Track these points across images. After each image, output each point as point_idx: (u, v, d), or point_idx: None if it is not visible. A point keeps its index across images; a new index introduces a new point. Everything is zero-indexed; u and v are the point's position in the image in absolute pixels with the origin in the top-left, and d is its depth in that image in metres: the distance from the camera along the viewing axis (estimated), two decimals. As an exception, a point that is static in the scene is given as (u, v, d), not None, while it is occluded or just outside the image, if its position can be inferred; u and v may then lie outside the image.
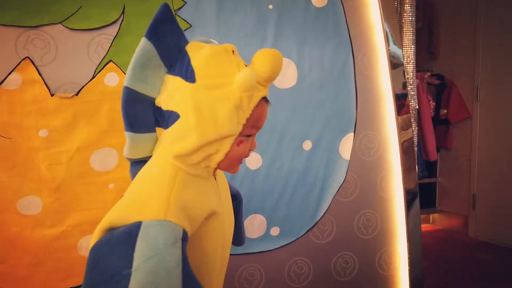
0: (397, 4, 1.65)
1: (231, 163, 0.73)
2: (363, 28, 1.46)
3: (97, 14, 1.20)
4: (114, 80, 1.22)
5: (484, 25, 3.01)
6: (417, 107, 1.64)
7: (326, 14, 1.43)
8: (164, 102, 0.71)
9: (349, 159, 1.48)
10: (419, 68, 3.32)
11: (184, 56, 0.71)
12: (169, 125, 0.70)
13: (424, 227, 3.39)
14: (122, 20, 1.23)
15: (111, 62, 1.22)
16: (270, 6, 1.38)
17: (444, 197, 3.38)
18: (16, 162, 1.16)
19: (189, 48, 0.73)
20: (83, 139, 1.20)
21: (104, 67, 1.21)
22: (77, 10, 1.18)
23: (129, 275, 0.58)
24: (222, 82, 0.69)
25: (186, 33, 1.28)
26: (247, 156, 0.75)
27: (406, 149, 1.49)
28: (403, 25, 1.63)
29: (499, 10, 2.88)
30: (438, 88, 3.33)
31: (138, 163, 0.75)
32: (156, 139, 0.74)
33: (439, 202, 3.43)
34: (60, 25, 1.17)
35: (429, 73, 3.28)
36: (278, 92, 1.40)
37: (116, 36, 1.22)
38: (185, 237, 0.63)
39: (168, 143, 0.70)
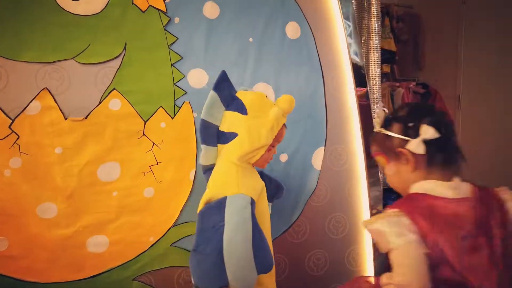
0: (365, 31, 1.85)
1: (263, 163, 1.26)
2: (332, 56, 1.67)
3: (103, 50, 1.42)
4: (117, 105, 1.44)
5: (465, 38, 3.20)
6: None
7: (300, 44, 1.65)
8: (226, 127, 1.19)
9: (320, 169, 1.69)
10: (405, 77, 3.53)
11: (237, 99, 1.22)
12: (230, 141, 1.19)
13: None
14: (124, 54, 1.45)
15: (114, 90, 1.43)
16: (251, 39, 1.60)
17: (429, 200, 3.56)
18: (36, 175, 1.37)
19: (239, 94, 1.23)
20: (91, 155, 1.42)
21: (108, 94, 1.43)
22: (86, 48, 1.40)
23: (223, 225, 1.09)
24: (262, 115, 1.19)
25: (178, 64, 1.51)
26: (271, 159, 1.28)
27: (371, 161, 1.70)
28: (369, 51, 1.84)
29: (480, 24, 3.06)
30: (423, 97, 3.50)
31: (208, 170, 1.30)
32: (217, 152, 1.24)
33: (424, 204, 3.61)
34: (72, 60, 1.39)
35: (414, 83, 3.47)
36: (258, 112, 1.61)
37: (119, 68, 1.44)
38: (252, 202, 1.14)
39: (231, 151, 1.19)
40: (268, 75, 1.62)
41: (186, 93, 1.52)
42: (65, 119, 1.39)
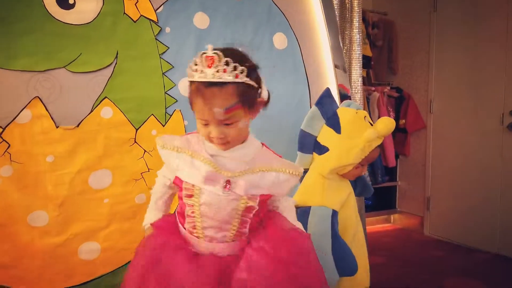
0: (347, 41, 1.94)
1: (351, 177, 1.39)
2: (317, 66, 1.75)
3: (94, 59, 1.43)
4: (108, 113, 1.46)
5: (437, 44, 3.34)
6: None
7: (286, 55, 1.71)
8: (322, 140, 1.33)
9: (305, 175, 1.76)
10: (380, 82, 3.67)
11: (335, 116, 1.33)
12: (322, 153, 1.33)
13: (386, 226, 3.72)
14: (116, 63, 1.47)
15: (106, 98, 1.45)
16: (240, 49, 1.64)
17: (403, 199, 3.69)
18: (27, 183, 1.37)
19: (339, 111, 1.35)
20: (82, 163, 1.43)
21: (100, 102, 1.45)
22: (78, 57, 1.41)
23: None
24: (356, 136, 1.28)
25: (169, 73, 1.54)
26: (360, 174, 1.41)
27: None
28: (352, 61, 1.93)
29: (451, 32, 3.21)
30: (397, 100, 3.64)
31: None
32: (312, 159, 1.41)
33: (399, 203, 3.74)
34: (64, 69, 1.40)
35: (389, 87, 3.61)
36: (246, 120, 1.66)
37: (110, 76, 1.46)
38: (334, 213, 1.29)
39: (321, 164, 1.33)
40: (256, 84, 1.67)
41: (177, 101, 1.55)
42: (57, 127, 1.40)
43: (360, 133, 1.29)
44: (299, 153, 1.43)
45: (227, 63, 0.88)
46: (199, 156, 0.99)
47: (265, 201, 1.04)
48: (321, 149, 1.34)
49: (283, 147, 1.71)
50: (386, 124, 1.29)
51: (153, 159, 1.53)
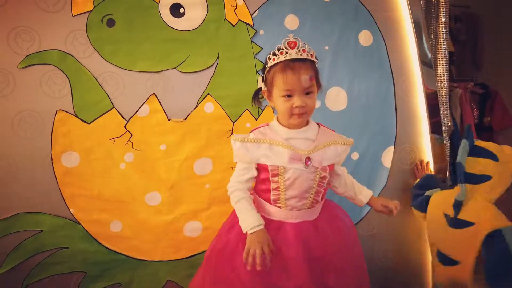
0: (433, 36, 1.95)
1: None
2: (403, 62, 1.79)
3: (200, 60, 1.63)
4: (210, 108, 1.65)
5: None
6: (449, 124, 1.93)
7: (371, 51, 1.77)
8: (478, 171, 1.43)
9: (389, 167, 1.82)
10: (463, 78, 3.52)
11: (479, 147, 1.46)
12: (482, 182, 1.42)
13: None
14: (217, 64, 1.65)
15: (208, 95, 1.64)
16: (326, 47, 1.75)
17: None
18: (144, 167, 1.61)
19: (480, 143, 1.48)
20: (189, 151, 1.63)
21: (204, 98, 1.64)
22: (186, 59, 1.62)
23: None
24: (509, 160, 1.41)
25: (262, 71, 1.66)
26: None
27: (437, 158, 1.81)
28: (437, 56, 1.93)
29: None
30: (482, 97, 3.47)
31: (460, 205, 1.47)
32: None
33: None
34: (175, 70, 1.62)
35: (472, 83, 3.46)
36: (332, 114, 1.76)
37: (212, 75, 1.65)
38: None
39: (487, 192, 1.43)
40: (342, 80, 1.77)
41: (269, 97, 1.70)
42: (168, 120, 1.62)
43: (510, 156, 1.43)
44: (461, 185, 1.45)
45: (304, 45, 1.19)
46: (277, 143, 1.21)
47: (332, 170, 1.28)
48: (480, 179, 1.42)
49: (366, 142, 1.79)
50: None
51: (248, 149, 1.69)
